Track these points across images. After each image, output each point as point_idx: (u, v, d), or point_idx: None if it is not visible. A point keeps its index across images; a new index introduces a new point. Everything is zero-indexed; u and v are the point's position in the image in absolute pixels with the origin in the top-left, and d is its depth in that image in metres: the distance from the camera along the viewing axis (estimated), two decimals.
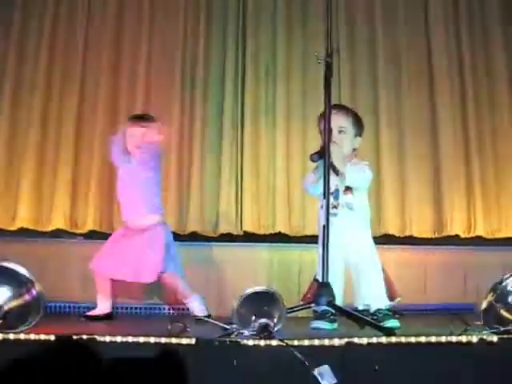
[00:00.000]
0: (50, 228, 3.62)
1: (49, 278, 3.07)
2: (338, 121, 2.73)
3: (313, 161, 2.56)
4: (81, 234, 3.64)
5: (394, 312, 2.71)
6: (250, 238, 3.73)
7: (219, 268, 3.51)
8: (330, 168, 2.45)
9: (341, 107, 2.88)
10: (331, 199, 2.59)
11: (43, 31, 3.79)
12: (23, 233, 3.58)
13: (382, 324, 2.46)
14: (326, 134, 2.49)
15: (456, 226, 3.83)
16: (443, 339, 2.04)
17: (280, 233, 3.76)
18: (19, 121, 3.73)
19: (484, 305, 2.31)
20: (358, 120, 2.84)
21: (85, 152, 3.71)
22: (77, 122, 3.72)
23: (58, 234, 3.61)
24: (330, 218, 2.49)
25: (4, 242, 3.39)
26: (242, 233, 3.76)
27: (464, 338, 2.05)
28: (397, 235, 3.81)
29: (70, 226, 3.64)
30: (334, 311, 2.52)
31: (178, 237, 3.64)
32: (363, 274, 2.67)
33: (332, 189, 2.62)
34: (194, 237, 3.71)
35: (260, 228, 3.77)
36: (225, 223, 3.74)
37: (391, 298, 2.71)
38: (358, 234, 2.72)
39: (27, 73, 3.76)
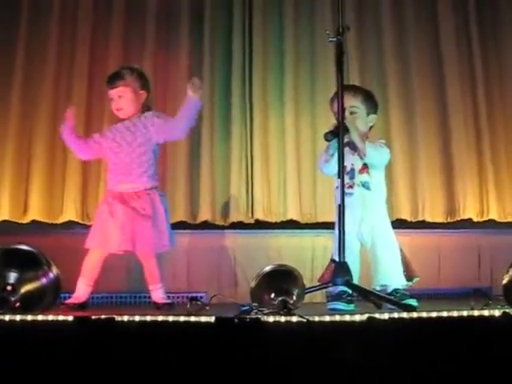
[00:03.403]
0: (61, 220, 3.61)
1: (61, 270, 3.06)
2: (347, 101, 2.70)
3: (327, 140, 2.54)
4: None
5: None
6: (261, 226, 3.71)
7: (232, 257, 3.50)
8: (349, 145, 2.44)
9: (348, 87, 2.84)
10: (346, 179, 2.58)
11: None
12: (35, 225, 3.57)
13: None
14: (340, 112, 2.48)
15: (469, 210, 3.81)
16: (465, 314, 2.02)
17: (292, 220, 3.74)
18: (28, 113, 3.69)
19: (505, 280, 2.28)
20: (369, 97, 2.81)
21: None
22: (86, 113, 3.70)
23: (69, 225, 3.59)
24: (346, 198, 2.48)
25: (16, 234, 3.38)
26: (253, 221, 3.74)
27: (486, 313, 2.02)
28: (409, 220, 3.78)
29: (81, 218, 3.62)
30: (351, 291, 2.50)
31: (188, 226, 3.66)
32: (380, 254, 2.65)
33: (347, 168, 2.60)
34: (205, 226, 3.69)
35: (271, 216, 3.74)
36: (236, 212, 3.72)
37: (409, 277, 2.69)
38: (374, 213, 2.70)
39: (36, 61, 3.73)
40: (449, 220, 3.84)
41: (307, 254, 3.48)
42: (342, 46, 2.53)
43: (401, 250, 2.70)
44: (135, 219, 2.84)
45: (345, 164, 2.50)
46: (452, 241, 3.65)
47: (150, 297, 3.00)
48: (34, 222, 3.60)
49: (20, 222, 3.59)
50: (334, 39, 2.51)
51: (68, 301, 2.80)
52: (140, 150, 2.92)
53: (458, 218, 3.82)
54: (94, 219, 2.99)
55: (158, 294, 2.91)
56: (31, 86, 3.71)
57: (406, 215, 3.77)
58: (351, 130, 2.55)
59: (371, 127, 2.83)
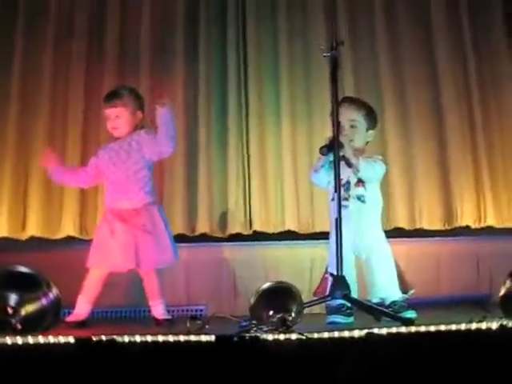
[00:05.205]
0: (59, 235, 3.62)
1: (60, 285, 3.06)
2: (350, 114, 2.72)
3: (322, 154, 2.56)
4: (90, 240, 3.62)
5: (408, 305, 2.71)
6: (259, 237, 3.72)
7: (230, 269, 3.50)
8: (342, 160, 2.45)
9: (353, 100, 2.87)
10: (341, 191, 2.59)
11: None
12: (34, 241, 3.58)
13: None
14: (335, 126, 2.49)
15: (466, 217, 3.82)
16: (463, 327, 2.03)
17: (289, 231, 3.76)
18: (25, 129, 3.72)
19: (502, 292, 2.30)
20: (370, 113, 2.83)
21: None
22: (83, 127, 3.72)
23: (68, 241, 3.60)
24: (341, 211, 2.49)
25: (15, 251, 3.39)
26: (251, 232, 3.75)
27: (483, 325, 2.03)
28: (407, 228, 3.79)
29: (79, 233, 3.63)
30: (349, 305, 2.51)
31: (187, 239, 3.66)
32: (376, 267, 2.66)
33: (343, 181, 2.62)
34: (204, 238, 3.70)
35: (269, 227, 3.76)
36: (234, 223, 3.74)
37: (404, 290, 2.70)
38: (369, 226, 2.72)
39: (32, 79, 3.76)
40: (446, 227, 3.84)
41: (305, 264, 3.48)
42: (337, 60, 2.54)
43: (395, 263, 2.71)
44: (136, 236, 2.86)
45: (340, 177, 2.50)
46: (450, 248, 3.65)
47: (150, 311, 3.01)
48: (32, 238, 3.61)
49: (19, 238, 3.61)
50: (329, 54, 2.52)
51: (68, 318, 2.80)
52: (135, 167, 2.95)
53: (456, 225, 3.83)
54: (94, 237, 3.00)
55: (158, 310, 2.92)
56: (28, 103, 3.73)
57: (403, 224, 3.79)
58: (345, 145, 2.57)
59: (367, 142, 2.84)
